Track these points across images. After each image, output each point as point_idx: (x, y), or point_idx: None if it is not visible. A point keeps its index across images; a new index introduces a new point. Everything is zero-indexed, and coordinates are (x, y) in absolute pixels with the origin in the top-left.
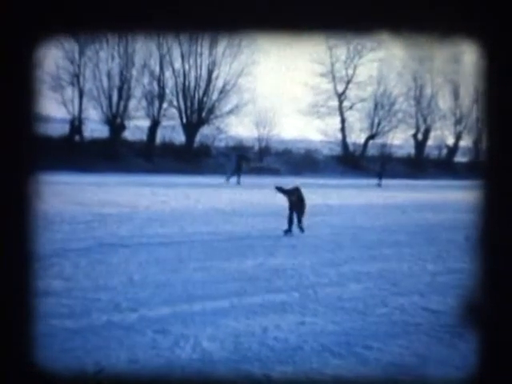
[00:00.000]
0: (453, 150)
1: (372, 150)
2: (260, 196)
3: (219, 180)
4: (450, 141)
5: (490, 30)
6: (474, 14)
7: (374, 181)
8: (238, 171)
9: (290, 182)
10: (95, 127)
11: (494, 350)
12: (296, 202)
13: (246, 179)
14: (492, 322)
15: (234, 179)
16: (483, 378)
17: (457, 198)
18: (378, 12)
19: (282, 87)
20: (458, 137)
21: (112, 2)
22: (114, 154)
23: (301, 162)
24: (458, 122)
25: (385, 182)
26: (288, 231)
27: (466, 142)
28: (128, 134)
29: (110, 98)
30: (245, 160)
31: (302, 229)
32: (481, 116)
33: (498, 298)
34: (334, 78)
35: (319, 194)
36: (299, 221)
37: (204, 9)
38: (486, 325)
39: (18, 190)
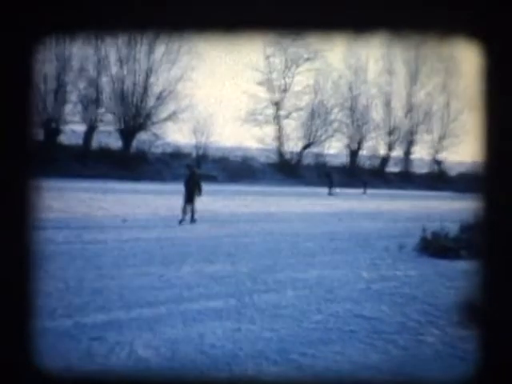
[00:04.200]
0: (385, 159)
1: (308, 159)
2: (199, 202)
3: (156, 186)
4: (383, 151)
5: (490, 29)
6: (474, 14)
7: (310, 189)
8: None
9: (227, 189)
10: None
11: (493, 350)
12: (193, 185)
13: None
14: (491, 321)
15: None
16: (483, 379)
17: (389, 207)
18: (377, 12)
19: (220, 94)
20: (390, 147)
21: (110, 2)
22: (48, 158)
23: (238, 169)
24: (390, 132)
25: (321, 190)
26: (182, 220)
27: (397, 153)
28: (64, 139)
29: (44, 102)
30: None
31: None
32: (480, 116)
33: (498, 300)
34: (271, 86)
35: (258, 201)
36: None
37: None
38: (485, 324)
39: (13, 194)
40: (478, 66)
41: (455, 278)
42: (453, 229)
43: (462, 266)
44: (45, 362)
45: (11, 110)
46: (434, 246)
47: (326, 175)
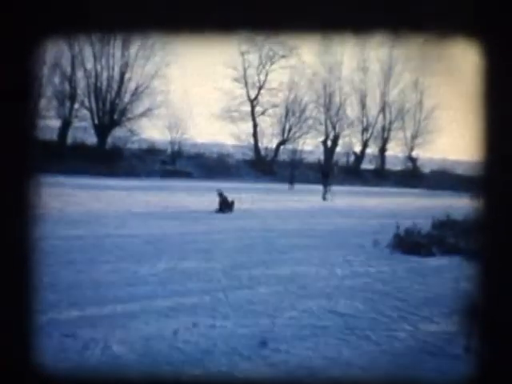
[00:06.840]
0: (360, 157)
1: (283, 155)
2: (174, 199)
3: (131, 182)
4: (358, 148)
5: (490, 29)
6: (474, 14)
7: (285, 185)
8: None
9: (202, 185)
10: None
11: (493, 353)
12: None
13: (158, 182)
14: (491, 325)
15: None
16: (483, 380)
17: (363, 204)
18: (377, 12)
19: (195, 91)
20: (365, 144)
21: (111, 2)
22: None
23: (213, 165)
24: (364, 130)
25: (296, 186)
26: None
27: (372, 150)
28: (38, 134)
29: None
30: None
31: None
32: (480, 115)
33: (497, 303)
34: (246, 83)
35: (232, 198)
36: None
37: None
38: (485, 328)
39: (16, 191)
40: (476, 65)
41: (427, 274)
42: (425, 225)
43: (433, 262)
44: (39, 360)
45: (11, 110)
46: (407, 242)
47: (324, 175)
